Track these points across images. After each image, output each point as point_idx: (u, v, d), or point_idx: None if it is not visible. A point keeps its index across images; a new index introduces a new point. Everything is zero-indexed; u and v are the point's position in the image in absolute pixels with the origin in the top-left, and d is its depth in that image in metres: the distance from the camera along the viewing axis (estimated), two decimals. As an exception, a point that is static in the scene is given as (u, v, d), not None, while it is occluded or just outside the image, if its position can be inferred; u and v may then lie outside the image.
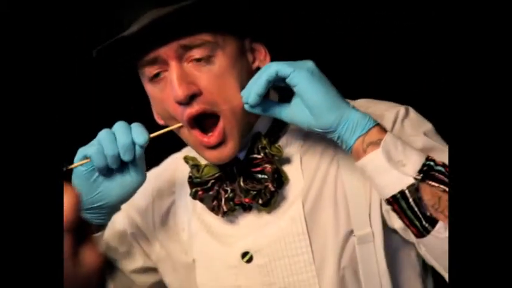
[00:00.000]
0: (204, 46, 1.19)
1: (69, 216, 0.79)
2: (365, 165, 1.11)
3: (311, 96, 1.10)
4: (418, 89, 1.90)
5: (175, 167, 1.45)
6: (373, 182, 1.12)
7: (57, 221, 0.81)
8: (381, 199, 1.22)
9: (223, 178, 1.30)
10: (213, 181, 1.31)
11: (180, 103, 1.19)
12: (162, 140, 1.24)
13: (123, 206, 1.46)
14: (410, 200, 1.08)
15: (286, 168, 1.29)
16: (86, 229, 0.84)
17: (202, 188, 1.31)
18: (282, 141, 1.31)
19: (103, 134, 1.17)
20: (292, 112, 1.15)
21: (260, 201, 1.25)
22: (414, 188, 1.07)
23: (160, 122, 1.30)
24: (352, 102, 1.32)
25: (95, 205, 1.23)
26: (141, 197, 1.46)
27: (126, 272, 1.48)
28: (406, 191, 1.08)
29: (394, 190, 1.09)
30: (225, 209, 1.29)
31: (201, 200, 1.32)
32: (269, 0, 1.88)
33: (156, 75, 1.22)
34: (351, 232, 1.25)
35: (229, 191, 1.29)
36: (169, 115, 1.24)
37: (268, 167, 1.26)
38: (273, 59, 1.30)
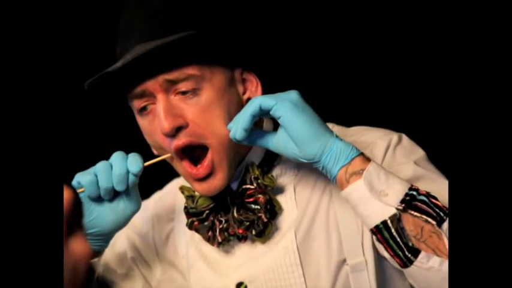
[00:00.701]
0: (189, 79, 1.20)
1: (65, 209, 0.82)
2: (348, 195, 1.12)
3: (294, 128, 1.11)
4: (412, 113, 1.89)
5: (175, 193, 1.46)
6: (357, 212, 1.13)
7: (57, 226, 0.81)
8: None
9: (218, 208, 1.31)
10: (207, 212, 1.32)
11: (166, 135, 1.21)
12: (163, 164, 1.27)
13: (124, 229, 1.47)
14: (393, 230, 1.08)
15: (280, 198, 1.30)
16: (76, 225, 0.87)
17: (197, 218, 1.32)
18: (276, 171, 1.32)
19: (100, 166, 1.19)
20: (277, 142, 1.16)
21: (254, 232, 1.26)
22: (396, 218, 1.08)
23: (154, 152, 1.32)
24: (347, 130, 1.34)
25: (90, 231, 1.24)
26: (141, 221, 1.48)
27: None
28: (388, 221, 1.08)
29: (376, 220, 1.10)
30: (219, 239, 1.29)
31: (197, 231, 1.33)
32: (259, 30, 1.88)
33: (144, 107, 1.24)
34: (344, 261, 1.25)
35: (223, 222, 1.30)
36: (159, 146, 1.26)
37: (261, 197, 1.26)
38: (265, 88, 1.30)
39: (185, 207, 1.34)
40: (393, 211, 1.08)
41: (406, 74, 1.93)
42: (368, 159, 1.13)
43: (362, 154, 1.13)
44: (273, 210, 1.27)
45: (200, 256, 1.37)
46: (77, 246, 1.00)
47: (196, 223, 1.32)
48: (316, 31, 1.97)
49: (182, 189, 1.35)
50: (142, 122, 1.26)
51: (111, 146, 1.28)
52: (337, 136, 1.14)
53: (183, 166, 1.25)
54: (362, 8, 1.93)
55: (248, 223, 1.26)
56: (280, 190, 1.30)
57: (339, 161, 1.12)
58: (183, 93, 1.21)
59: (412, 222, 1.07)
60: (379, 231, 1.10)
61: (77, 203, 0.83)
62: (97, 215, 1.23)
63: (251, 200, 1.27)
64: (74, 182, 1.20)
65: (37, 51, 0.87)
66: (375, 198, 1.09)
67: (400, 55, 1.92)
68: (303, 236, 1.27)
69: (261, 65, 1.33)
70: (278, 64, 1.87)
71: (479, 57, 0.90)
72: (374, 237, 1.12)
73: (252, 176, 1.27)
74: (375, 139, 1.28)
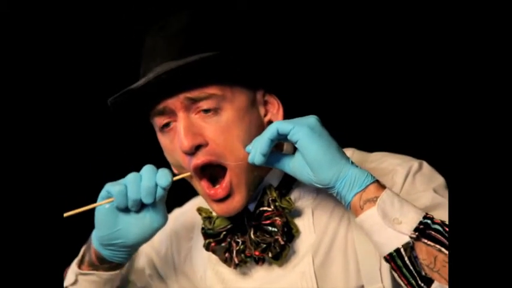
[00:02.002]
0: (211, 99, 1.21)
1: None
2: (362, 222, 1.12)
3: (310, 152, 1.12)
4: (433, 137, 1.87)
5: (195, 211, 1.44)
6: (371, 239, 1.13)
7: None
8: None
9: (235, 230, 1.30)
10: (225, 233, 1.31)
11: (186, 153, 1.22)
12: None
13: (144, 246, 1.47)
14: (406, 258, 1.08)
15: (298, 221, 1.29)
16: None
17: (214, 239, 1.32)
18: (295, 194, 1.31)
19: (130, 177, 1.21)
20: (294, 166, 1.17)
21: (270, 255, 1.25)
22: (409, 247, 1.07)
23: (174, 170, 1.32)
24: (368, 155, 1.33)
25: (114, 242, 1.26)
26: (160, 239, 1.49)
27: None
28: (402, 250, 1.08)
29: (390, 248, 1.09)
30: (236, 261, 1.29)
31: (214, 252, 1.32)
32: (281, 52, 1.88)
33: (166, 125, 1.25)
34: (362, 287, 1.23)
35: (240, 243, 1.29)
36: (179, 164, 1.26)
37: (278, 220, 1.25)
38: (287, 111, 1.31)
39: (202, 228, 1.34)
40: (406, 239, 1.08)
41: (431, 102, 1.91)
42: (383, 187, 1.13)
43: (377, 181, 1.13)
44: (290, 233, 1.26)
45: (217, 278, 1.37)
46: None
47: (213, 244, 1.31)
48: (339, 55, 1.96)
49: (200, 210, 1.35)
50: (164, 139, 1.27)
51: (132, 164, 1.29)
52: (352, 163, 1.14)
53: (201, 186, 1.26)
54: (381, 35, 1.93)
55: (265, 245, 1.25)
56: (298, 213, 1.30)
57: (353, 188, 1.12)
58: (204, 111, 1.22)
59: (425, 251, 1.07)
60: (393, 259, 1.09)
61: None
62: (123, 227, 1.24)
63: (268, 222, 1.26)
64: (104, 192, 1.22)
65: (40, 53, 0.87)
66: (388, 226, 1.09)
67: (425, 81, 1.91)
68: (320, 261, 1.26)
69: (283, 87, 1.33)
70: (300, 87, 1.86)
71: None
72: (388, 265, 1.11)
73: (270, 198, 1.27)
74: (395, 166, 1.27)
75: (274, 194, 1.27)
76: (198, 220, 1.41)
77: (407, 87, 1.92)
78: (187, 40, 1.22)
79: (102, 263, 1.31)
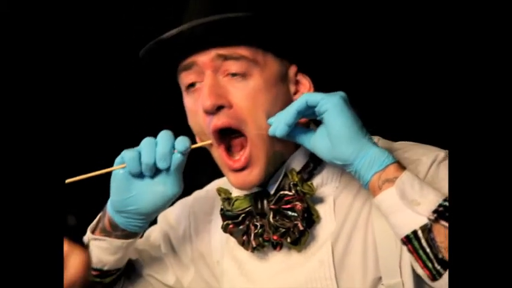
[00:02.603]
0: (241, 61, 1.21)
1: (78, 274, 0.86)
2: (380, 203, 1.11)
3: (335, 125, 1.11)
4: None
5: (215, 195, 1.44)
6: (389, 221, 1.11)
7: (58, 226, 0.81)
8: None
9: (254, 213, 1.28)
10: (243, 215, 1.29)
11: (207, 112, 1.21)
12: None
13: (160, 223, 1.49)
14: (423, 240, 1.06)
15: (319, 208, 1.27)
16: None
17: (233, 221, 1.30)
18: (317, 180, 1.29)
19: (145, 142, 1.21)
20: (314, 140, 1.16)
21: (289, 240, 1.23)
22: (427, 228, 1.06)
23: (197, 140, 1.31)
24: (392, 144, 1.30)
25: (128, 208, 1.24)
26: (179, 218, 1.48)
27: (156, 279, 1.47)
28: (419, 231, 1.06)
29: (407, 230, 1.07)
30: (254, 244, 1.27)
31: (231, 234, 1.30)
32: (322, 34, 1.86)
33: (192, 85, 1.24)
34: (379, 279, 1.20)
35: (258, 227, 1.27)
36: (200, 129, 1.25)
37: (298, 204, 1.23)
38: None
39: (221, 209, 1.32)
40: (424, 221, 1.06)
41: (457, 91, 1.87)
42: (403, 168, 1.11)
43: (397, 162, 1.11)
44: (310, 219, 1.24)
45: (234, 263, 1.35)
46: (75, 263, 1.00)
47: (231, 226, 1.30)
48: (377, 44, 1.94)
49: (219, 191, 1.33)
50: (188, 100, 1.26)
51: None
52: (374, 143, 1.13)
53: (219, 153, 1.25)
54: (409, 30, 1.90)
55: (284, 230, 1.23)
56: (320, 200, 1.27)
57: (372, 167, 1.11)
58: (233, 75, 1.21)
59: (443, 234, 1.04)
60: (410, 241, 1.07)
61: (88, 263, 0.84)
62: (136, 193, 1.23)
63: (288, 206, 1.24)
64: (118, 158, 1.22)
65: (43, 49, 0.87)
66: (407, 207, 1.07)
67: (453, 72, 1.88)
68: (339, 250, 1.23)
69: (317, 69, 1.31)
70: (334, 69, 1.84)
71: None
72: (405, 247, 1.09)
73: (291, 182, 1.25)
74: (420, 156, 1.24)
75: (296, 178, 1.25)
76: (218, 203, 1.39)
77: (445, 76, 1.89)
78: (228, 0, 1.22)
79: (115, 230, 1.29)
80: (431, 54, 1.90)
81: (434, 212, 1.06)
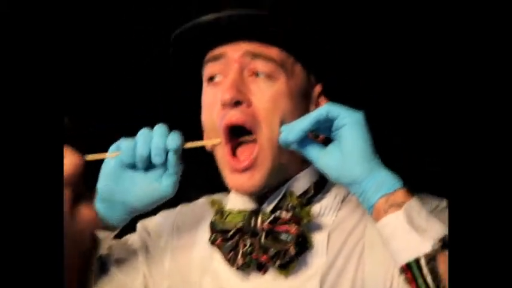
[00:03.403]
0: (270, 62, 1.21)
1: (70, 171, 0.94)
2: (384, 226, 1.08)
3: (351, 141, 1.10)
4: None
5: (202, 211, 1.40)
6: (390, 246, 1.08)
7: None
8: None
9: (245, 230, 1.24)
10: (234, 231, 1.25)
11: (224, 104, 1.19)
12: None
13: (139, 232, 1.42)
14: (424, 269, 1.03)
15: (312, 237, 1.22)
16: (84, 190, 0.95)
17: (222, 235, 1.26)
18: (315, 208, 1.26)
19: (141, 132, 1.17)
20: (324, 155, 1.13)
21: (277, 263, 1.19)
22: (430, 257, 1.03)
23: (204, 137, 1.29)
24: None
25: (115, 197, 1.18)
26: (161, 230, 1.41)
27: (121, 279, 1.38)
28: (422, 259, 1.03)
29: (409, 256, 1.04)
30: (240, 262, 1.22)
31: (219, 248, 1.26)
32: (359, 58, 1.84)
33: (214, 77, 1.24)
34: None
35: (248, 245, 1.23)
36: (212, 124, 1.24)
37: (293, 228, 1.20)
38: None
39: (212, 222, 1.28)
40: (429, 248, 1.03)
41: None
42: (411, 195, 1.09)
43: (406, 188, 1.09)
44: (303, 246, 1.20)
45: (215, 282, 1.29)
46: (83, 212, 1.08)
47: (220, 240, 1.25)
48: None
49: (213, 202, 1.30)
50: (208, 92, 1.25)
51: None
52: (385, 167, 1.11)
53: (225, 153, 1.22)
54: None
55: (274, 252, 1.19)
56: (314, 229, 1.23)
57: (381, 189, 1.08)
58: (258, 74, 1.21)
59: (446, 264, 1.01)
60: (410, 268, 1.04)
61: (83, 168, 0.87)
62: (126, 183, 1.17)
63: (283, 228, 1.20)
64: (113, 146, 1.18)
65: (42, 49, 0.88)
66: (413, 230, 1.04)
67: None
68: (328, 285, 1.19)
69: (342, 92, 1.31)
70: (358, 97, 1.81)
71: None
72: (403, 276, 1.06)
73: (290, 204, 1.21)
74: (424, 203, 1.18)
75: (295, 201, 1.21)
76: (204, 219, 1.36)
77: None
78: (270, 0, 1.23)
79: None
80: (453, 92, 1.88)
81: (441, 240, 1.03)
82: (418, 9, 1.88)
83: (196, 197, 1.49)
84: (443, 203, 1.22)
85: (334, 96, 1.28)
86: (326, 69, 1.28)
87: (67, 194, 1.08)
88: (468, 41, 0.97)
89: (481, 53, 0.96)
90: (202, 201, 1.45)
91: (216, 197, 1.39)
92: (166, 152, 1.15)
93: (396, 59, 1.95)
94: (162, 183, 1.18)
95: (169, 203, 1.27)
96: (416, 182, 1.31)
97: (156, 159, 1.15)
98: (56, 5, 0.94)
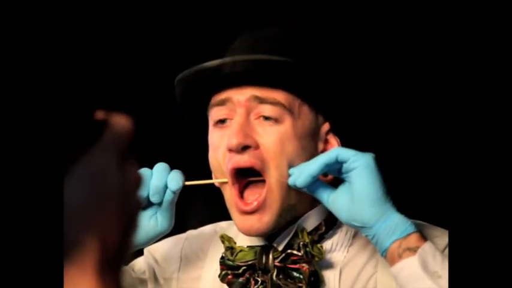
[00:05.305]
0: (277, 106, 1.19)
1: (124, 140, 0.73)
2: (399, 272, 1.07)
3: (361, 185, 1.10)
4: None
5: (210, 238, 1.38)
6: None
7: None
8: None
9: (257, 267, 1.23)
10: (245, 268, 1.24)
11: (230, 150, 1.18)
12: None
13: (146, 258, 1.40)
14: None
15: (324, 274, 1.22)
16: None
17: (233, 272, 1.24)
18: (326, 245, 1.25)
19: (141, 171, 1.14)
20: (334, 197, 1.14)
21: None
22: None
23: (213, 176, 1.28)
24: None
25: None
26: (168, 258, 1.39)
27: None
28: None
29: None
30: None
31: (229, 285, 1.25)
32: (365, 96, 1.85)
33: (222, 121, 1.22)
34: None
35: (259, 282, 1.22)
36: (219, 166, 1.23)
37: (305, 267, 1.19)
38: None
39: (222, 257, 1.26)
40: None
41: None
42: (425, 239, 1.09)
43: (419, 232, 1.10)
44: (315, 284, 1.19)
45: None
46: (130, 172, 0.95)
47: (230, 276, 1.24)
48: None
49: (223, 238, 1.28)
50: (215, 134, 1.24)
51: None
52: (397, 210, 1.11)
53: (232, 194, 1.21)
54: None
55: None
56: (326, 266, 1.23)
57: (394, 233, 1.08)
58: (265, 118, 1.19)
59: None
60: None
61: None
62: None
63: (295, 266, 1.19)
64: None
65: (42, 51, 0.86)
66: (428, 278, 1.04)
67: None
68: None
69: (350, 130, 1.31)
70: (365, 134, 1.81)
71: None
72: None
73: (301, 242, 1.20)
74: (433, 238, 1.19)
75: (307, 239, 1.20)
76: (213, 247, 1.35)
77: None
78: (274, 43, 1.22)
79: None
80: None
81: None
82: (424, 42, 1.90)
83: (202, 223, 1.48)
84: None
85: (343, 133, 1.28)
86: (334, 108, 1.27)
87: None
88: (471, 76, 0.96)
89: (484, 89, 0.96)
90: (210, 229, 1.43)
91: (225, 224, 1.38)
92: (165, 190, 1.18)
93: (404, 93, 1.96)
94: (160, 219, 1.21)
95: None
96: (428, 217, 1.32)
97: (154, 198, 1.17)
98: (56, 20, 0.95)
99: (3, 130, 0.83)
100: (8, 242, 0.75)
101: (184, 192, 1.23)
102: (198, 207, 1.80)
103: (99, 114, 0.74)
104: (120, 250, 0.68)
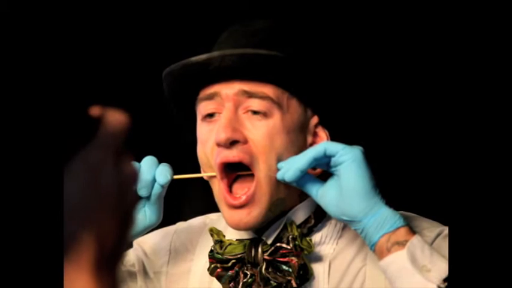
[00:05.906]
0: (265, 100, 1.18)
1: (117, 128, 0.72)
2: (387, 266, 1.08)
3: (350, 178, 1.10)
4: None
5: (200, 231, 1.38)
6: (393, 284, 1.08)
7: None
8: None
9: (246, 261, 1.23)
10: (234, 261, 1.24)
11: (219, 145, 1.18)
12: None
13: (135, 250, 1.40)
14: None
15: (313, 266, 1.22)
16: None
17: (222, 265, 1.24)
18: (315, 238, 1.25)
19: None
20: (323, 192, 1.13)
21: None
22: None
23: (202, 170, 1.28)
24: None
25: None
26: (158, 251, 1.39)
27: None
28: None
29: None
30: None
31: (218, 278, 1.25)
32: (356, 89, 1.84)
33: (211, 115, 1.22)
34: None
35: (248, 276, 1.22)
36: (207, 160, 1.22)
37: (294, 260, 1.19)
38: None
39: (211, 251, 1.26)
40: None
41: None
42: (413, 232, 1.09)
43: (408, 225, 1.09)
44: (304, 277, 1.20)
45: None
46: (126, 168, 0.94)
47: (219, 270, 1.24)
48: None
49: (212, 231, 1.28)
50: (203, 128, 1.23)
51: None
52: (386, 203, 1.10)
53: (221, 188, 1.20)
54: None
55: (275, 284, 1.18)
56: (315, 259, 1.23)
57: (382, 227, 1.08)
58: (254, 112, 1.19)
59: None
60: None
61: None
62: None
63: (284, 260, 1.19)
64: None
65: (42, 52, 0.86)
66: (417, 272, 1.04)
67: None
68: None
69: (339, 123, 1.30)
70: (355, 126, 1.81)
71: None
72: None
73: (291, 236, 1.20)
74: (422, 229, 1.20)
75: (296, 232, 1.20)
76: (202, 240, 1.35)
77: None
78: (262, 36, 1.22)
79: None
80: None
81: (445, 280, 1.03)
82: (414, 40, 1.90)
83: (192, 214, 1.48)
84: (446, 230, 1.21)
85: (331, 126, 1.28)
86: (323, 102, 1.27)
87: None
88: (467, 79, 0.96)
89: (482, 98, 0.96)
90: (199, 222, 1.43)
91: (214, 216, 1.39)
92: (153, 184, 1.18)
93: (394, 87, 1.96)
94: (148, 213, 1.21)
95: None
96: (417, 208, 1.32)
97: (142, 191, 1.17)
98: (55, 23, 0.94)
99: (-1, 127, 0.82)
100: (6, 240, 0.74)
101: (173, 186, 1.24)
102: (188, 199, 1.79)
103: (95, 110, 0.73)
104: (116, 246, 0.67)
